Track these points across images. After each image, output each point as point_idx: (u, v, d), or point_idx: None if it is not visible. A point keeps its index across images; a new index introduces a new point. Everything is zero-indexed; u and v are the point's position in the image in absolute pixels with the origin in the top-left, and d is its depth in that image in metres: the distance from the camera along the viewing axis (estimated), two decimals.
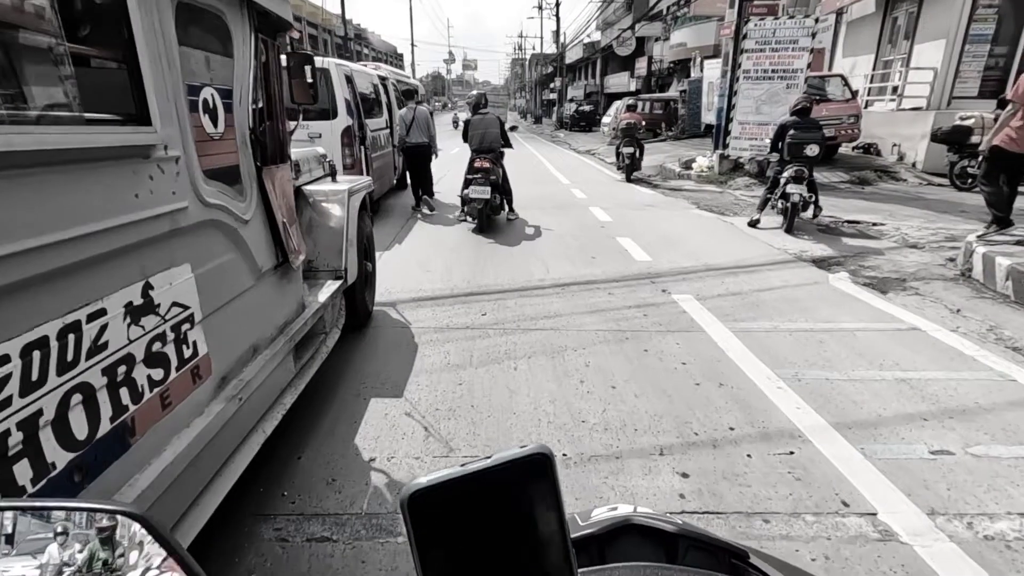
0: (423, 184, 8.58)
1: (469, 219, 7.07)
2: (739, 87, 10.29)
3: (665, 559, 0.55)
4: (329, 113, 6.56)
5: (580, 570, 0.43)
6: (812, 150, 6.65)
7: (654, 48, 28.83)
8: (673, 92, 23.81)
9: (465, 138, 7.21)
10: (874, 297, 4.47)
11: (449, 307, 4.21)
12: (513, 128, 8.72)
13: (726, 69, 11.10)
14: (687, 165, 12.24)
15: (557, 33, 42.69)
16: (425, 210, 8.05)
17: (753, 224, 7.02)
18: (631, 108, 19.39)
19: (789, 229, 6.80)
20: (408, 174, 8.60)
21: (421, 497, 0.36)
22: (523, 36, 75.13)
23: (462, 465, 0.37)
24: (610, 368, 3.23)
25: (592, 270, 5.21)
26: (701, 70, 18.31)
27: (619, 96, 27.88)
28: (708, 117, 15.44)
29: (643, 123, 13.92)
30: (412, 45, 59.69)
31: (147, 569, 0.40)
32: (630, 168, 11.91)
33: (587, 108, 33.17)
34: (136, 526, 0.40)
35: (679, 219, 7.69)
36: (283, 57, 2.53)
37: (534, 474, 0.38)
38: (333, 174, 3.37)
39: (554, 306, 4.25)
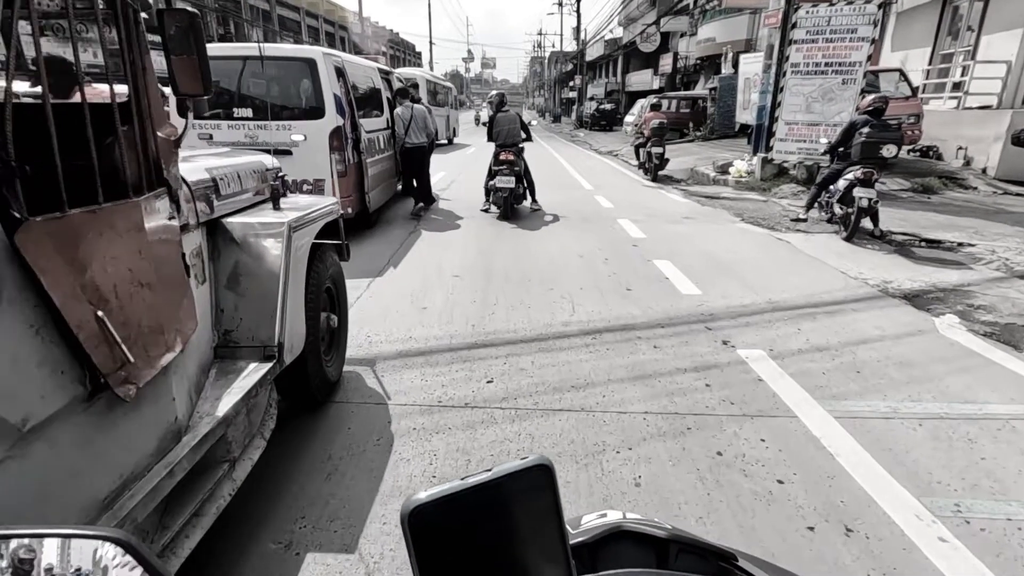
0: (421, 189, 7.69)
1: (494, 207, 7.57)
2: (786, 83, 9.13)
3: (656, 564, 0.55)
4: (315, 112, 5.59)
5: None
6: (889, 151, 5.95)
7: (679, 44, 27.54)
8: (700, 90, 22.55)
9: (490, 134, 7.62)
10: (1008, 355, 3.36)
11: (445, 367, 3.20)
12: (530, 123, 9.05)
13: (769, 63, 9.94)
14: (723, 169, 11.09)
15: (577, 30, 41.53)
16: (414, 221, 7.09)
17: (797, 221, 6.27)
18: (656, 107, 18.22)
19: (850, 238, 6.08)
20: (404, 178, 7.64)
21: (421, 512, 0.36)
22: (543, 33, 73.96)
23: (462, 479, 0.37)
24: (672, 490, 2.18)
25: (629, 308, 4.15)
26: (733, 66, 17.06)
27: (642, 95, 26.66)
28: (744, 116, 14.24)
29: (667, 123, 12.87)
30: (431, 43, 58.89)
31: None
32: (657, 168, 11.50)
33: (608, 107, 31.95)
34: (118, 552, 0.36)
35: (724, 235, 6.59)
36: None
37: (535, 486, 0.38)
38: (276, 198, 2.38)
39: (584, 367, 3.21)
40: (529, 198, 7.93)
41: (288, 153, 5.56)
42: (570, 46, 49.54)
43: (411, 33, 69.57)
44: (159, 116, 1.56)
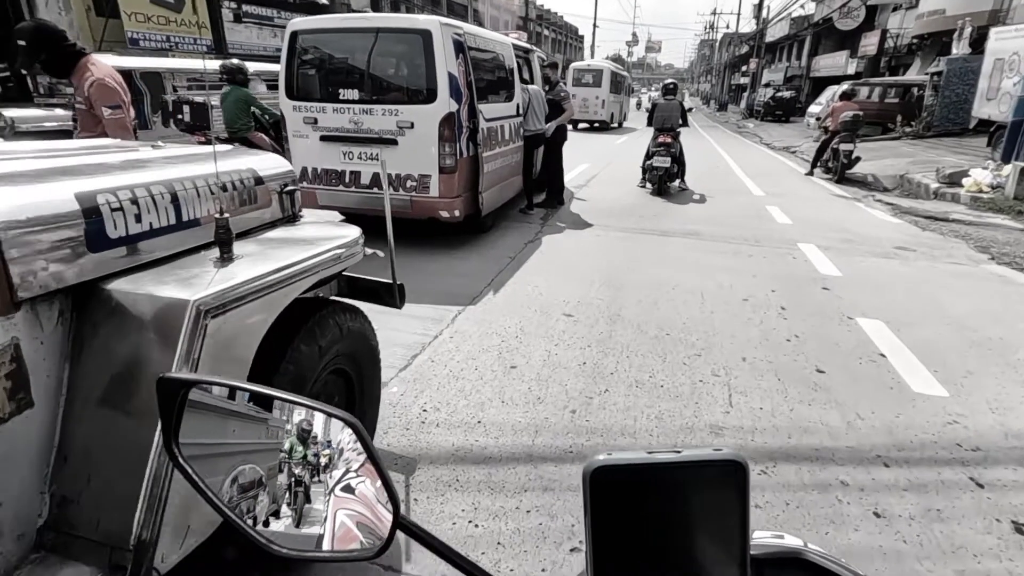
0: (549, 185, 6.86)
1: (649, 185, 8.35)
2: None
3: None
4: (426, 95, 4.69)
5: None
6: None
7: (889, 20, 22.88)
8: (913, 75, 18.36)
9: (650, 119, 8.45)
10: None
11: (514, 497, 2.05)
12: (689, 110, 9.17)
13: None
14: (952, 179, 8.40)
15: (759, 6, 37.05)
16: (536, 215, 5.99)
17: None
18: (847, 95, 14.87)
19: None
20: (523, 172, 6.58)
21: (603, 474, 0.37)
22: (717, 13, 68.01)
23: (648, 452, 0.37)
24: None
25: (823, 414, 2.64)
26: (971, 45, 13.33)
27: (833, 81, 22.66)
28: (987, 110, 10.93)
29: (862, 115, 10.24)
30: (594, 26, 57.04)
31: (347, 470, 0.51)
32: (844, 168, 9.63)
33: (786, 94, 27.93)
34: (353, 436, 0.49)
35: (968, 284, 4.55)
36: None
37: (723, 480, 0.37)
38: (225, 239, 1.38)
39: None
40: (680, 179, 8.55)
41: (393, 143, 4.76)
42: (748, 27, 44.62)
43: (574, 15, 67.97)
44: None
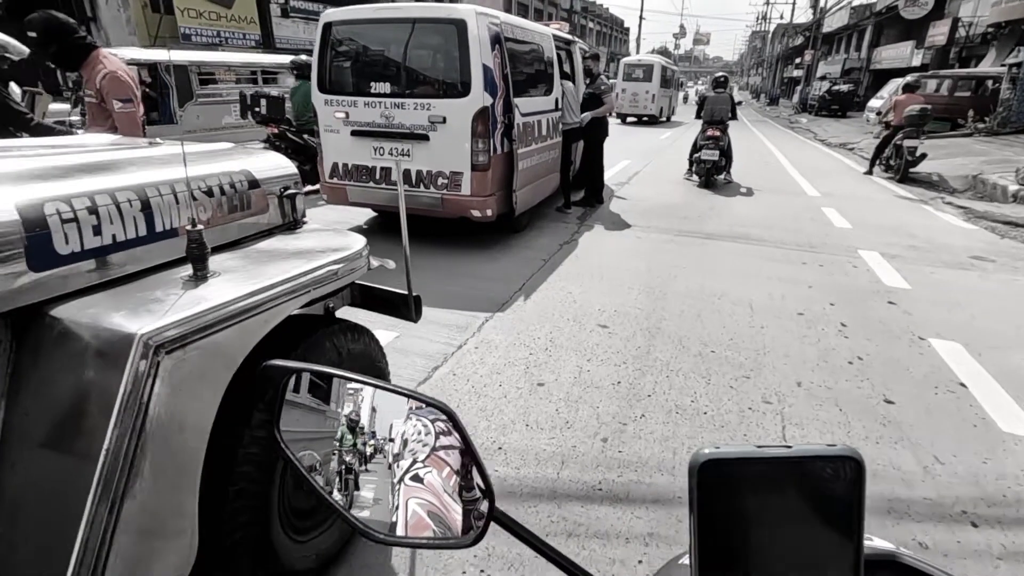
0: (589, 183, 6.64)
1: (696, 177, 8.39)
2: None
3: None
4: (459, 88, 4.48)
5: None
6: None
7: (961, 7, 21.34)
8: (988, 67, 17.03)
9: (699, 112, 8.43)
10: None
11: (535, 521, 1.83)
12: (739, 103, 9.33)
13: None
14: None
15: None
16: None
17: None
18: (911, 88, 13.67)
19: None
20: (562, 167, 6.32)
21: (711, 468, 0.35)
22: (770, 3, 65.46)
23: (758, 447, 0.36)
24: None
25: (895, 455, 2.30)
26: None
27: (896, 73, 21.35)
28: None
29: (930, 109, 9.42)
30: (640, 18, 55.74)
31: (414, 460, 0.53)
32: (907, 166, 9.01)
33: (844, 88, 26.57)
34: (448, 422, 0.52)
35: None
36: None
37: (837, 477, 0.36)
38: (198, 255, 1.19)
39: None
40: (727, 171, 8.53)
41: (425, 139, 4.57)
42: (803, 17, 42.73)
43: (620, 6, 66.63)
44: None
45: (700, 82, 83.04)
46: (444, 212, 4.74)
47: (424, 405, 0.53)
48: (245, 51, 17.79)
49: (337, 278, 1.44)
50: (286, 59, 8.40)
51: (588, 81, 6.60)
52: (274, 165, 1.67)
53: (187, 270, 1.21)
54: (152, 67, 6.73)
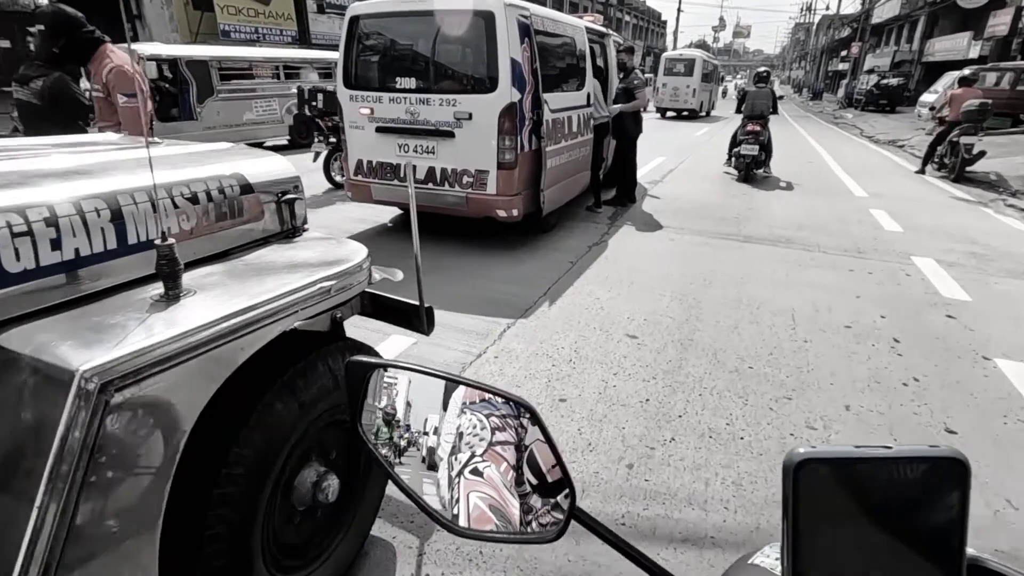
0: (620, 181, 6.45)
1: (735, 172, 8.42)
2: None
3: None
4: (486, 83, 4.32)
5: None
6: None
7: None
8: None
9: (740, 106, 8.53)
10: None
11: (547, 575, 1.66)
12: (780, 97, 9.51)
13: None
14: None
15: None
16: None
17: None
18: (968, 81, 12.69)
19: None
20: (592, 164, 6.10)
21: (807, 468, 0.35)
22: None
23: (856, 446, 0.35)
24: None
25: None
26: None
27: (953, 66, 20.20)
28: None
29: (990, 104, 8.77)
30: (678, 10, 54.53)
31: (472, 454, 0.54)
32: (964, 164, 8.49)
33: (893, 81, 25.37)
34: (499, 413, 0.54)
35: None
36: None
37: (940, 480, 0.34)
38: (170, 272, 1.07)
39: None
40: (766, 165, 8.54)
41: (450, 135, 4.43)
42: (851, 7, 41.04)
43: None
44: None
45: (739, 76, 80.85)
46: (468, 211, 4.59)
47: (504, 401, 0.53)
48: (281, 47, 17.99)
49: (330, 296, 1.29)
50: (311, 54, 8.45)
51: (622, 76, 6.35)
52: (272, 168, 1.54)
53: (158, 288, 1.09)
54: (173, 63, 6.78)
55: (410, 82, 4.52)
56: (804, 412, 2.54)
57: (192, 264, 1.26)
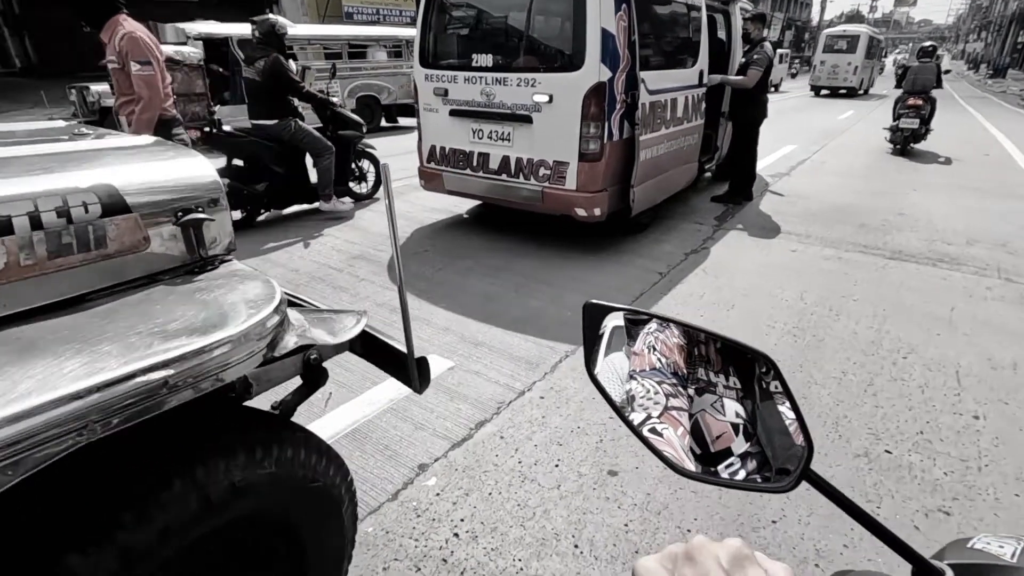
0: (737, 166, 5.64)
1: (894, 145, 8.32)
2: None
3: None
4: (571, 60, 3.68)
5: None
6: None
7: None
8: None
9: (900, 81, 8.46)
10: None
11: None
12: (946, 72, 8.97)
13: None
14: None
15: None
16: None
17: None
18: None
19: None
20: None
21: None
22: None
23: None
24: None
25: None
26: None
27: None
28: None
29: None
30: None
31: (648, 415, 0.54)
32: None
33: None
34: (672, 380, 0.55)
35: None
36: None
37: None
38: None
39: None
40: (925, 138, 8.33)
41: (527, 120, 3.88)
42: None
43: None
44: None
45: (897, 51, 71.02)
46: (544, 208, 4.03)
47: (744, 353, 0.53)
48: (400, 27, 18.40)
49: (168, 392, 0.82)
50: (381, 31, 8.30)
51: (747, 48, 5.35)
52: (173, 176, 1.10)
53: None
54: (224, 42, 6.67)
55: (486, 59, 4.00)
56: (971, 534, 1.72)
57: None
